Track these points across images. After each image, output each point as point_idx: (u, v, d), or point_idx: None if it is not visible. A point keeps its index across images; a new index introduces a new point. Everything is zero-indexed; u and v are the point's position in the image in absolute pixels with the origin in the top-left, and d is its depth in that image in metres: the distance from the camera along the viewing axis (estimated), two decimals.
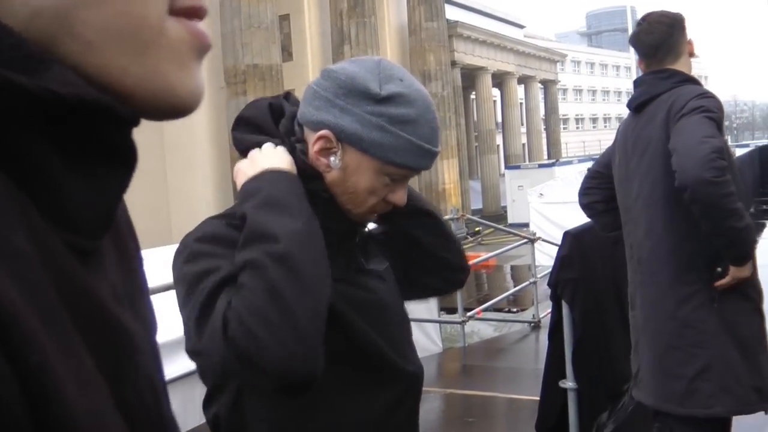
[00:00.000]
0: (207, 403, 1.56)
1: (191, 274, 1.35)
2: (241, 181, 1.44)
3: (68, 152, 0.47)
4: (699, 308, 2.93)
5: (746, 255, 2.86)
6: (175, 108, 0.53)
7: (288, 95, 1.61)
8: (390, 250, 1.72)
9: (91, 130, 0.48)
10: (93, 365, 0.45)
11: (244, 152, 1.51)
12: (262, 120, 1.56)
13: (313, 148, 1.47)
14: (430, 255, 1.71)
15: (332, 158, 1.47)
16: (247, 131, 1.55)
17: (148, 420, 0.54)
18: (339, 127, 1.45)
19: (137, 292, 0.61)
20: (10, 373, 0.37)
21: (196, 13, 0.54)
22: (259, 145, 1.49)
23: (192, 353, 1.35)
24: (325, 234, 1.40)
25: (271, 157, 1.45)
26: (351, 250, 1.60)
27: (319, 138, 1.46)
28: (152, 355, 0.59)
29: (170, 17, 0.51)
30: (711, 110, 2.84)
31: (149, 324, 0.63)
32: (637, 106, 3.17)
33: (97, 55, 0.48)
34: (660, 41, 3.12)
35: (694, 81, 3.10)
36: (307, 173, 1.48)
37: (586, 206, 3.54)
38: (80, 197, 0.49)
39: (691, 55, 3.18)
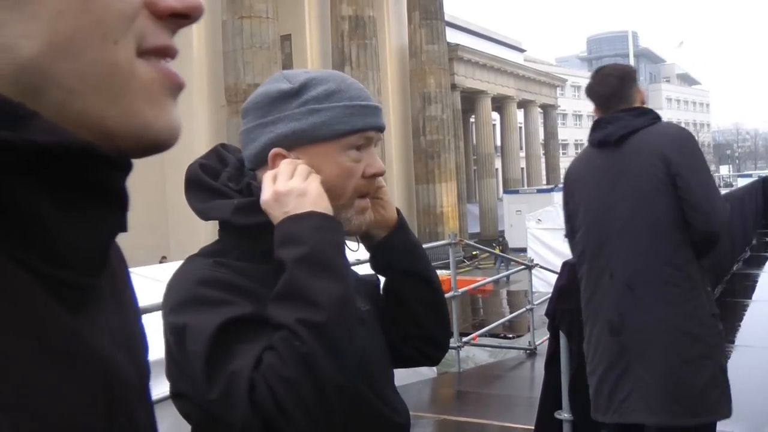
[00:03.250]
0: None
1: (197, 323, 1.25)
2: (270, 196, 1.34)
3: (59, 195, 0.52)
4: (705, 322, 3.20)
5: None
6: (153, 143, 0.59)
7: (224, 146, 1.54)
8: (375, 300, 1.65)
9: (79, 174, 0.53)
10: (60, 418, 0.50)
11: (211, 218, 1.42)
12: (208, 184, 1.44)
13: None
14: (415, 323, 1.63)
15: None
16: (206, 198, 1.43)
17: None
18: (280, 137, 1.41)
19: (133, 339, 0.68)
20: None
21: (166, 52, 0.59)
22: (230, 210, 1.39)
23: (193, 401, 1.29)
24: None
25: (308, 191, 1.36)
26: None
27: (273, 158, 1.41)
28: (141, 397, 0.65)
29: (140, 60, 0.57)
30: (703, 157, 3.37)
31: (144, 370, 0.68)
32: (616, 139, 3.36)
33: (78, 100, 0.54)
34: (611, 92, 3.43)
35: (659, 117, 3.46)
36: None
37: None
38: (72, 236, 0.54)
39: (642, 103, 3.47)
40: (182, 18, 0.61)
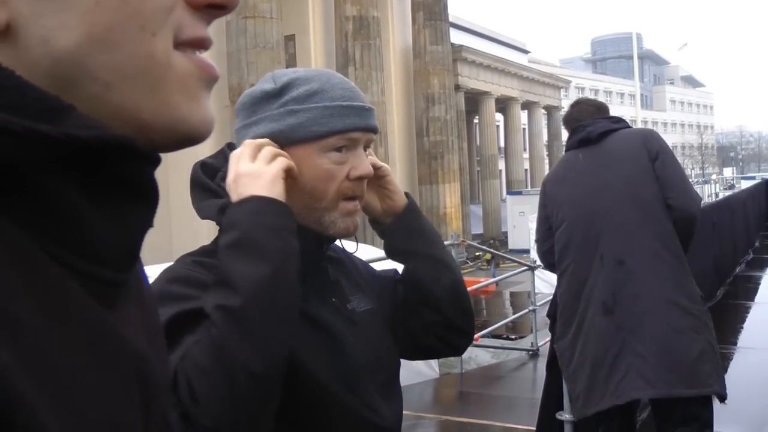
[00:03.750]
0: None
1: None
2: (231, 178, 1.35)
3: (92, 190, 0.51)
4: (693, 297, 3.42)
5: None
6: (188, 136, 0.58)
7: (230, 145, 1.53)
8: (389, 298, 1.63)
9: (113, 169, 0.52)
10: (102, 414, 0.49)
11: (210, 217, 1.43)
12: (204, 183, 1.47)
13: None
14: (434, 309, 1.59)
15: None
16: (203, 196, 1.45)
17: None
18: (259, 138, 1.40)
19: (155, 336, 0.66)
20: None
21: (201, 44, 0.59)
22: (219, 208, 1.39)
23: None
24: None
25: (262, 174, 1.33)
26: (320, 282, 1.50)
27: None
28: (166, 390, 0.64)
29: (176, 51, 0.56)
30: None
31: (165, 364, 0.69)
32: (597, 135, 3.71)
33: (115, 94, 0.53)
34: (589, 117, 3.79)
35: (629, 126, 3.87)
36: None
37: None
38: (105, 232, 0.53)
39: None
40: (218, 8, 0.59)
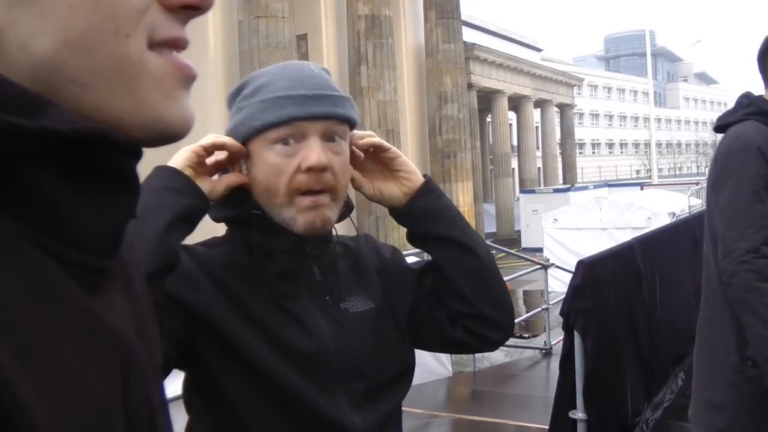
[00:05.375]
0: None
1: None
2: None
3: (75, 181, 0.54)
4: (730, 351, 2.73)
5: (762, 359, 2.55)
6: (165, 134, 0.60)
7: None
8: (414, 286, 1.57)
9: (94, 160, 0.55)
10: (80, 389, 0.51)
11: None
12: None
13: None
14: (459, 297, 1.50)
15: (243, 167, 1.45)
16: None
17: None
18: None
19: (145, 323, 0.68)
20: None
21: (177, 44, 0.60)
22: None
23: None
24: (268, 256, 1.40)
25: (186, 149, 1.40)
26: (307, 279, 1.46)
27: None
28: (153, 376, 0.66)
29: (151, 52, 0.58)
30: (745, 176, 2.59)
31: (155, 350, 0.70)
32: (717, 128, 2.88)
33: (92, 94, 0.55)
34: (759, 55, 2.84)
35: (758, 113, 2.75)
36: (236, 198, 1.42)
37: None
38: (87, 220, 0.56)
39: None
40: (193, 9, 0.61)
